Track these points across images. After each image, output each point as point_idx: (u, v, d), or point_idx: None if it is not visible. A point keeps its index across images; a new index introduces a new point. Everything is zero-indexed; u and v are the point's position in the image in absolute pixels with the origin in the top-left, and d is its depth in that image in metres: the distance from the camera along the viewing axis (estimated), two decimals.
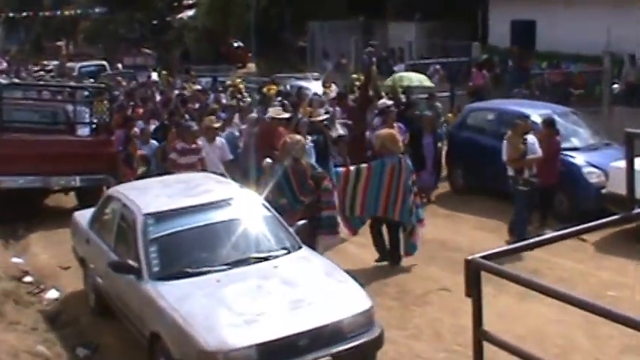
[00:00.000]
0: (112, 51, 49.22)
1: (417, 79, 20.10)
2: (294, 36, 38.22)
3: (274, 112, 14.42)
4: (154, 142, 14.81)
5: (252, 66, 39.27)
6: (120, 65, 39.82)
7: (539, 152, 12.13)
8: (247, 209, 9.12)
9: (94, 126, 16.59)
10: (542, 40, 26.73)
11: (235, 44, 45.09)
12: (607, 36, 20.97)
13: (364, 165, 11.19)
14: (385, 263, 11.32)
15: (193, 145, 13.28)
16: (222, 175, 12.08)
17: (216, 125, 14.29)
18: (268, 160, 11.15)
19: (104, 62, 40.02)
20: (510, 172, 12.15)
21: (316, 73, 29.27)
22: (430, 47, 31.80)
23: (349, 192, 10.99)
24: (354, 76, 22.71)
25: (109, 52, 49.36)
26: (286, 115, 14.44)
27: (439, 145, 15.78)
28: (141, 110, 19.38)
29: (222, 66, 38.50)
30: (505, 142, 12.20)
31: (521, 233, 11.53)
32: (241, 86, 23.39)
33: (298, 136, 11.22)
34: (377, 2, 34.53)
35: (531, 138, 12.17)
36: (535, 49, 26.75)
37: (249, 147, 14.44)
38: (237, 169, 14.10)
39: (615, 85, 20.18)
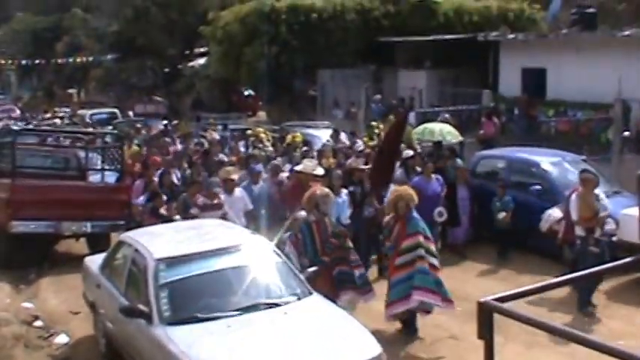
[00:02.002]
0: (123, 99, 49.56)
1: (439, 133, 18.18)
2: (305, 84, 38.40)
3: (310, 167, 13.57)
4: None
5: (262, 114, 39.48)
6: (131, 113, 40.11)
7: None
8: (258, 255, 9.18)
9: (117, 173, 16.52)
10: (552, 88, 26.74)
11: (246, 92, 45.36)
12: (619, 84, 21.02)
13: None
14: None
15: (215, 201, 13.06)
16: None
17: (234, 177, 13.77)
18: (303, 213, 10.37)
19: (115, 110, 40.35)
20: (579, 232, 11.21)
21: (326, 122, 29.34)
22: (441, 95, 31.82)
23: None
24: (374, 123, 22.30)
25: (120, 99, 49.72)
26: (322, 172, 13.59)
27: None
28: (158, 159, 19.30)
29: (233, 114, 38.71)
30: (574, 198, 11.30)
31: (583, 302, 10.96)
32: (263, 135, 22.30)
33: (327, 189, 10.69)
34: (387, 50, 34.71)
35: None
36: (546, 97, 26.75)
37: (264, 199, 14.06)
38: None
39: (626, 133, 20.20)
